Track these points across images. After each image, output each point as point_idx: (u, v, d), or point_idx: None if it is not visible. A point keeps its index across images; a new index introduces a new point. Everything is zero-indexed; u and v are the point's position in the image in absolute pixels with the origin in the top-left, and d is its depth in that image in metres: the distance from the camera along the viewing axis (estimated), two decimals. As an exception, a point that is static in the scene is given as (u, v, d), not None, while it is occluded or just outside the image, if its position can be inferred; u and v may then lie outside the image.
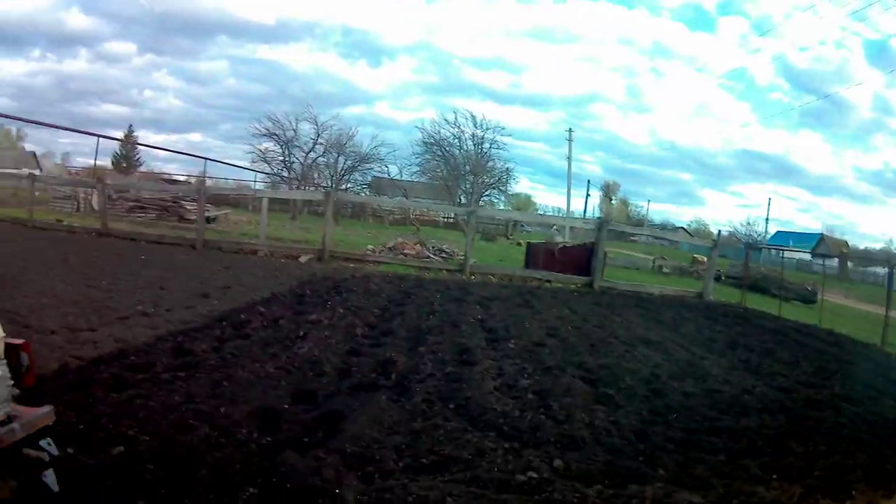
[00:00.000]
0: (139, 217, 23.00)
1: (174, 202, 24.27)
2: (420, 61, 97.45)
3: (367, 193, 48.51)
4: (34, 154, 47.78)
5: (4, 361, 3.01)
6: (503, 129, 49.57)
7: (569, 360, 7.65)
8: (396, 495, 3.52)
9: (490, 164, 49.60)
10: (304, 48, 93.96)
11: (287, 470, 3.69)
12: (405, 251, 20.23)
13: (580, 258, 17.56)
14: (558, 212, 54.39)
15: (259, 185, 41.55)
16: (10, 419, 2.93)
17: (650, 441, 4.98)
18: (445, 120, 49.16)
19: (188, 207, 23.44)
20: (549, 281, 16.72)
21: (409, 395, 5.64)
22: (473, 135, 48.98)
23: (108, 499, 3.21)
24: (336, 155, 47.20)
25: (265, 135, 45.26)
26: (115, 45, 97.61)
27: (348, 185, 47.84)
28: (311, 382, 5.80)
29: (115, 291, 9.40)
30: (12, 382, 3.03)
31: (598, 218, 25.65)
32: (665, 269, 27.40)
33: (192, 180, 39.69)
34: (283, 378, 5.79)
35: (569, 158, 48.95)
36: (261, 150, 45.60)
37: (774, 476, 4.39)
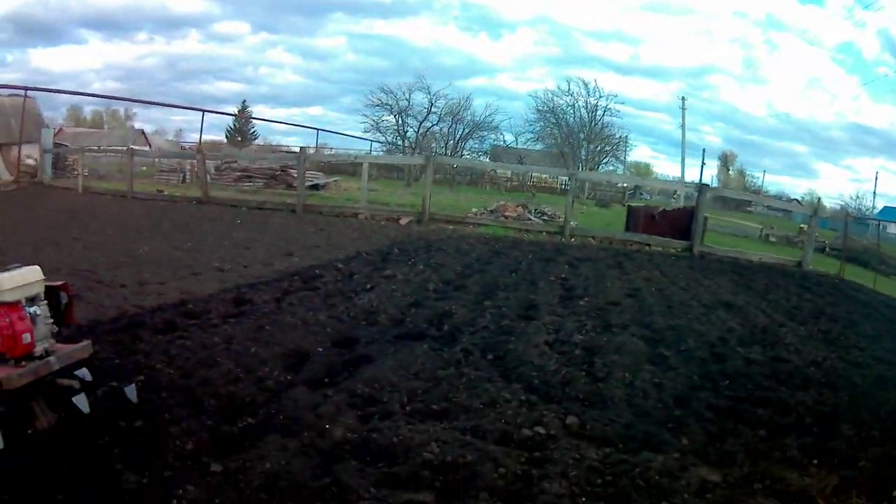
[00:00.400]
0: (246, 186, 24.01)
1: (282, 170, 25.16)
2: (540, 34, 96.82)
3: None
4: (142, 132, 50.79)
5: (45, 302, 3.36)
6: (615, 96, 49.26)
7: (637, 319, 7.38)
8: (384, 436, 3.53)
9: (605, 131, 48.82)
10: (424, 22, 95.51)
11: (289, 404, 3.81)
12: (506, 213, 20.10)
13: (680, 222, 16.80)
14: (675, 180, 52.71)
15: (376, 154, 42.62)
16: (47, 353, 3.27)
17: (689, 407, 4.62)
18: (559, 87, 49.06)
19: (295, 175, 24.15)
20: (648, 245, 16.11)
21: (454, 345, 5.62)
22: (587, 102, 48.84)
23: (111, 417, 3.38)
24: (450, 123, 47.82)
25: (378, 105, 46.65)
26: (226, 26, 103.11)
27: (464, 153, 48.63)
28: (359, 330, 5.91)
29: (198, 251, 9.99)
30: (52, 320, 3.38)
31: (698, 182, 24.55)
32: (772, 238, 26.09)
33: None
34: (332, 325, 5.94)
35: (682, 126, 47.73)
36: (374, 120, 47.09)
37: (813, 461, 3.86)
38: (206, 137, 50.27)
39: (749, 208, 47.00)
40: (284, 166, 25.34)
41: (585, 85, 49.30)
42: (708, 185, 19.99)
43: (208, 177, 22.15)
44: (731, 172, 73.28)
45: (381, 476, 3.10)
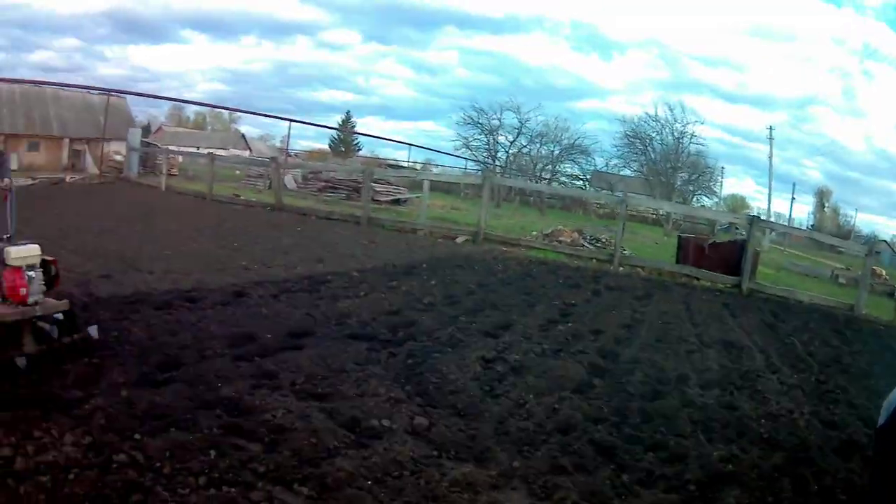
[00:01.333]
0: (327, 196, 25.92)
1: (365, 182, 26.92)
2: (650, 56, 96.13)
3: (586, 186, 49.71)
4: (243, 136, 53.67)
5: (41, 270, 5.20)
6: (702, 122, 49.26)
7: (604, 349, 7.57)
8: (254, 399, 4.83)
9: (693, 159, 48.32)
10: (535, 40, 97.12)
11: (208, 368, 5.31)
12: (560, 238, 20.86)
13: (731, 256, 16.33)
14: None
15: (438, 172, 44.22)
16: (36, 304, 5.07)
17: (566, 436, 4.87)
18: (646, 113, 49.00)
19: (377, 189, 25.67)
20: (696, 278, 15.99)
21: (392, 348, 6.57)
22: (673, 128, 48.49)
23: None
24: (540, 144, 48.97)
25: (469, 123, 48.37)
26: (336, 34, 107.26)
27: (556, 176, 49.56)
28: (320, 327, 7.12)
29: (238, 251, 11.71)
30: (44, 283, 5.22)
31: (749, 214, 24.04)
32: (841, 280, 25.24)
33: (418, 166, 44.03)
34: (299, 321, 7.27)
35: (769, 157, 47.66)
36: (465, 138, 48.80)
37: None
38: (311, 146, 53.59)
39: (840, 248, 45.23)
40: (365, 178, 27.09)
41: (671, 110, 49.11)
42: (758, 218, 19.69)
43: (288, 185, 24.13)
44: (826, 209, 70.51)
45: (228, 424, 4.35)
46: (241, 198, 22.54)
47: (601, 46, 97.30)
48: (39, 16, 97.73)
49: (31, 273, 5.09)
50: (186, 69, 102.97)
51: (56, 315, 5.31)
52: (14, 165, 30.16)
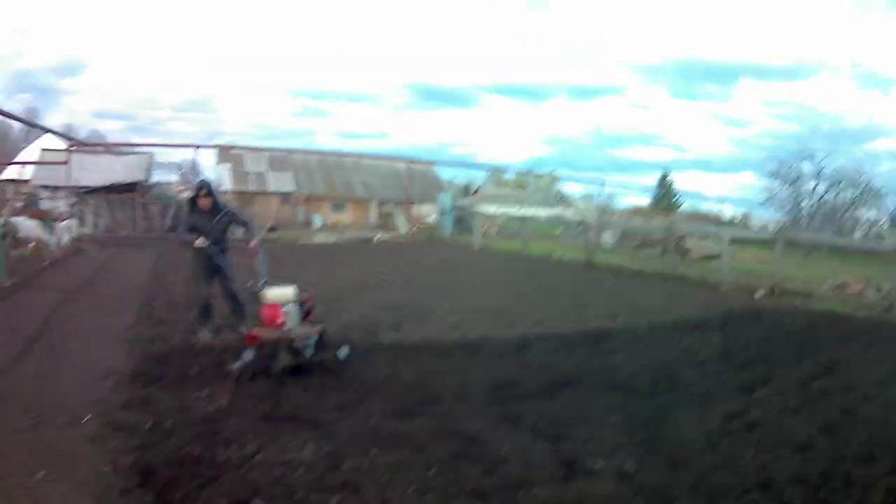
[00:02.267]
0: (643, 253, 25.70)
1: (677, 239, 26.35)
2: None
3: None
4: (563, 195, 53.92)
5: (296, 304, 7.31)
6: None
7: (850, 407, 6.88)
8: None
9: None
10: (823, 83, 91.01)
11: (459, 406, 6.18)
12: (847, 290, 18.56)
13: None
14: None
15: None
16: (290, 330, 7.04)
17: (761, 492, 4.71)
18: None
19: (689, 246, 25.03)
20: None
21: (643, 399, 6.79)
22: None
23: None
24: (836, 192, 45.22)
25: (772, 175, 46.78)
26: (642, 92, 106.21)
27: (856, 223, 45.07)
28: (582, 378, 7.40)
29: (535, 307, 12.29)
30: (302, 314, 7.33)
31: None
32: None
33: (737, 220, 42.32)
34: (567, 371, 7.70)
35: None
36: (769, 190, 47.12)
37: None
38: (634, 203, 53.60)
39: None
40: (680, 235, 26.45)
41: None
42: None
43: (606, 242, 24.50)
44: None
45: (456, 452, 4.99)
46: (555, 256, 23.29)
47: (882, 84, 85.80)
48: (335, 84, 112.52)
49: (287, 307, 7.10)
50: (497, 132, 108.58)
51: (307, 340, 7.08)
52: (318, 223, 35.50)
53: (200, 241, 8.43)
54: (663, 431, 5.78)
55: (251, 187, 37.49)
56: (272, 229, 29.27)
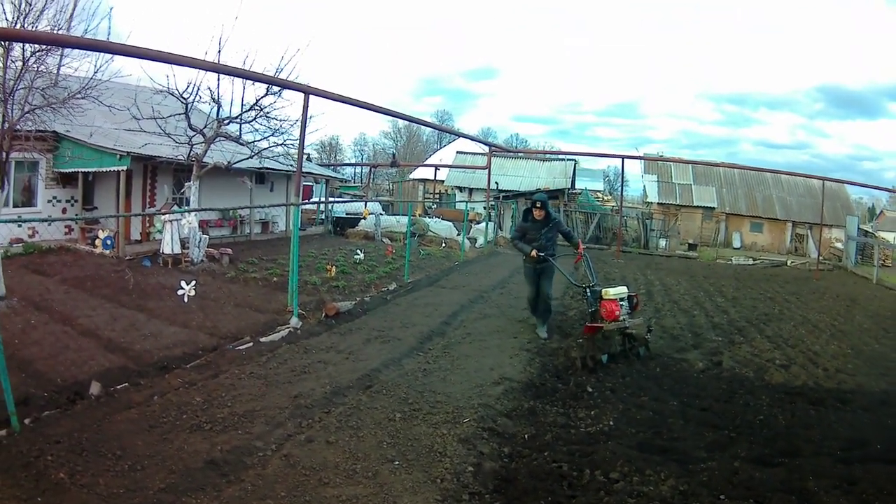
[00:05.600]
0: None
1: None
2: None
3: None
4: None
5: (627, 300, 8.74)
6: None
7: None
8: None
9: None
10: None
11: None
12: None
13: None
14: None
15: None
16: (623, 321, 8.52)
17: None
18: None
19: None
20: None
21: None
22: None
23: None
24: None
25: None
26: None
27: None
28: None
29: (824, 339, 10.98)
30: (629, 311, 8.73)
31: None
32: None
33: None
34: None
35: None
36: None
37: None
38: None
39: None
40: None
41: None
42: None
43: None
44: None
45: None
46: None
47: None
48: (753, 91, 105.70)
49: (623, 303, 8.54)
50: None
51: (632, 330, 8.57)
52: (737, 244, 32.37)
53: (533, 252, 9.34)
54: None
55: (676, 200, 36.45)
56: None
